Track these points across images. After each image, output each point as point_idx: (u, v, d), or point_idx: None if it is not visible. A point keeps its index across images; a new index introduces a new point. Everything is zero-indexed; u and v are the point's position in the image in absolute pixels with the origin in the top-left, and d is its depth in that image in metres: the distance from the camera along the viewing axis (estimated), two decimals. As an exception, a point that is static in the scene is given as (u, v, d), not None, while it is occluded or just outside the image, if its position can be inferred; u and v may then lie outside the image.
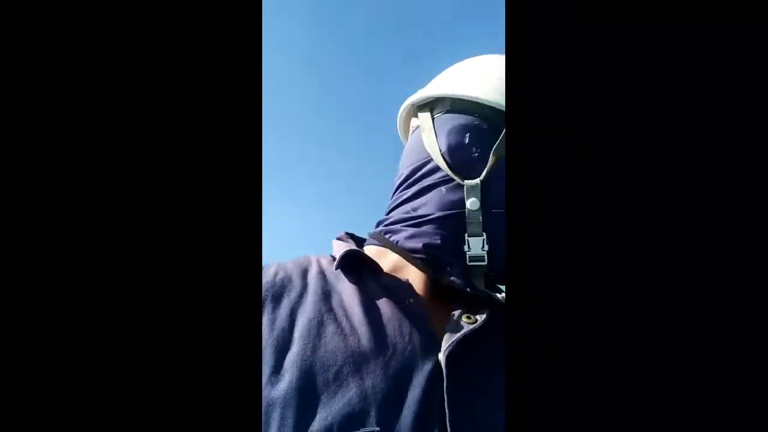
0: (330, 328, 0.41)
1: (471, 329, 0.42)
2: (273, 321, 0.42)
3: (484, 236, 0.47)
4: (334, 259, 0.50)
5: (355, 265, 0.48)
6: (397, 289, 0.47)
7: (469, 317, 0.44)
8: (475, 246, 0.47)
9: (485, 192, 0.48)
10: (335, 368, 0.38)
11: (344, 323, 0.42)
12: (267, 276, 0.47)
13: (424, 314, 0.45)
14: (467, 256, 0.48)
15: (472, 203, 0.48)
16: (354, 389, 0.37)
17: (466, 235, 0.48)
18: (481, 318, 0.44)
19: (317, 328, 0.41)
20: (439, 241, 0.48)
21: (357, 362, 0.39)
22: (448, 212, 0.49)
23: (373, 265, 0.48)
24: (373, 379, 0.38)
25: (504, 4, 0.31)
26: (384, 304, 0.45)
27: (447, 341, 0.41)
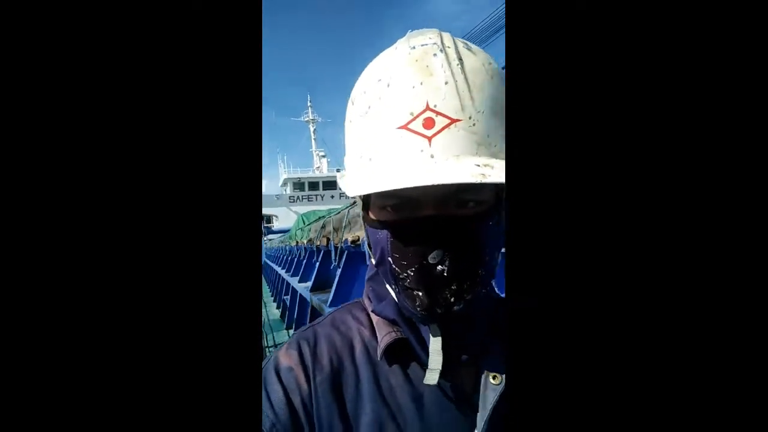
0: (389, 430, 0.46)
1: (498, 397, 0.46)
2: (337, 418, 0.46)
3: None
4: (371, 318, 0.53)
5: (398, 351, 0.50)
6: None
7: (495, 376, 0.47)
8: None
9: None
10: None
11: (398, 421, 0.47)
12: (321, 359, 0.49)
13: (461, 388, 0.48)
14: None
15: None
16: None
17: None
18: (502, 377, 0.47)
19: (378, 430, 0.47)
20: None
21: None
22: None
23: (415, 351, 0.49)
24: None
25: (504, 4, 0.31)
26: (428, 389, 0.48)
27: (481, 419, 0.46)
